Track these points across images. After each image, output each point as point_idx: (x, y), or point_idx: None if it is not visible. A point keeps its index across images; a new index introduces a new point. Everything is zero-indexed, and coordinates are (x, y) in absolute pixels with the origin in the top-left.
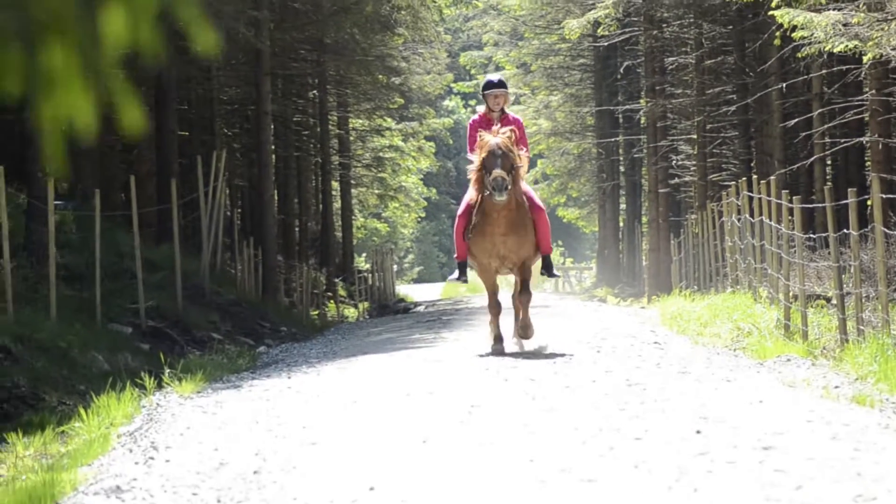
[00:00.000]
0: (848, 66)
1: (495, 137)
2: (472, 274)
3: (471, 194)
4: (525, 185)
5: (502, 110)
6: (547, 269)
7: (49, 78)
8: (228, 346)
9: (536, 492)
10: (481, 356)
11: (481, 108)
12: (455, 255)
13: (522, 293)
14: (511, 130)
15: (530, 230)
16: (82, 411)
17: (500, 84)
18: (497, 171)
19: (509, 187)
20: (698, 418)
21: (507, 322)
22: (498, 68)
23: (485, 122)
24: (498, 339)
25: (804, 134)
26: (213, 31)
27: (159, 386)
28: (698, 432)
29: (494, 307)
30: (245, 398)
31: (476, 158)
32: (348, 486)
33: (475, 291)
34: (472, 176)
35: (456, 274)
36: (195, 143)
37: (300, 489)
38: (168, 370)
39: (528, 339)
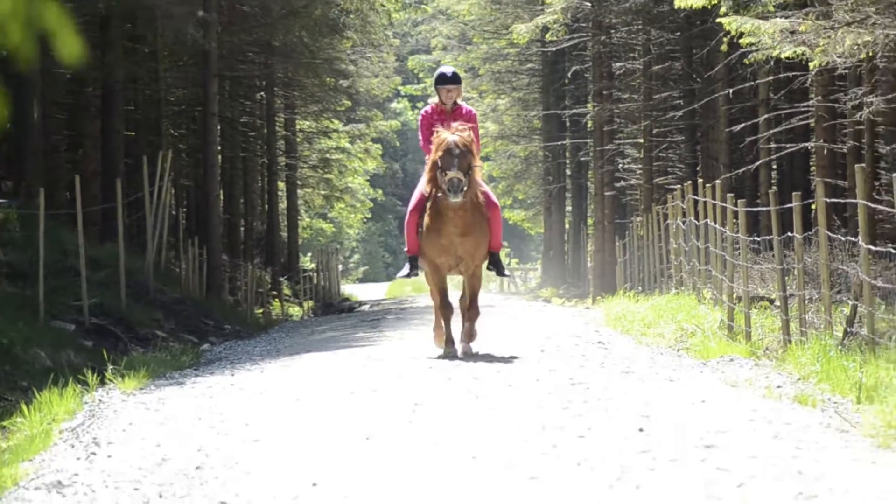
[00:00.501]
0: (794, 73)
1: (453, 134)
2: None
3: (423, 187)
4: (481, 183)
5: (455, 102)
6: (496, 267)
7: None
8: (172, 344)
9: (479, 489)
10: (430, 358)
11: (433, 100)
12: (406, 249)
13: (471, 309)
14: (469, 128)
15: (486, 231)
16: (24, 407)
17: (454, 78)
18: (453, 172)
19: (465, 189)
20: (641, 417)
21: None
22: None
23: (437, 114)
24: (450, 342)
25: (750, 139)
26: (77, 39)
27: (102, 382)
28: (641, 430)
29: (445, 309)
30: (188, 395)
31: (432, 154)
32: (291, 482)
33: (420, 291)
34: (426, 169)
35: (406, 269)
36: (141, 143)
37: (242, 485)
38: (111, 367)
39: (469, 351)
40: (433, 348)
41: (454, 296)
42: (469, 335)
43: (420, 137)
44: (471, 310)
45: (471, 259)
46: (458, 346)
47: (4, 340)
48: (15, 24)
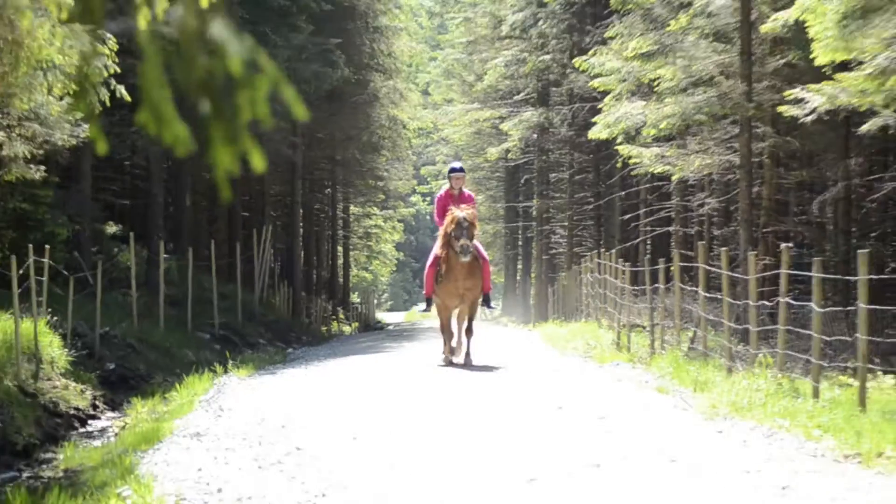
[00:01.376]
0: (662, 182)
1: (462, 212)
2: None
3: (437, 249)
4: (478, 244)
5: (461, 188)
6: (485, 303)
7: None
8: (269, 348)
9: (460, 440)
10: (432, 359)
11: (445, 186)
12: (424, 292)
13: (469, 330)
14: (472, 208)
15: (480, 276)
16: (178, 386)
17: (461, 170)
18: (464, 241)
19: (471, 251)
20: (560, 400)
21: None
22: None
23: (448, 197)
24: (450, 352)
25: (634, 224)
26: (262, 156)
27: (225, 372)
28: (560, 408)
29: (449, 332)
30: (278, 380)
31: (445, 224)
32: (341, 435)
33: (426, 318)
34: (440, 234)
35: (424, 305)
36: (252, 221)
37: (310, 437)
38: (231, 362)
39: (470, 363)
40: (439, 357)
41: (453, 324)
42: (468, 351)
43: (435, 213)
44: (468, 331)
45: (471, 295)
46: (460, 358)
47: (166, 344)
48: (259, 100)
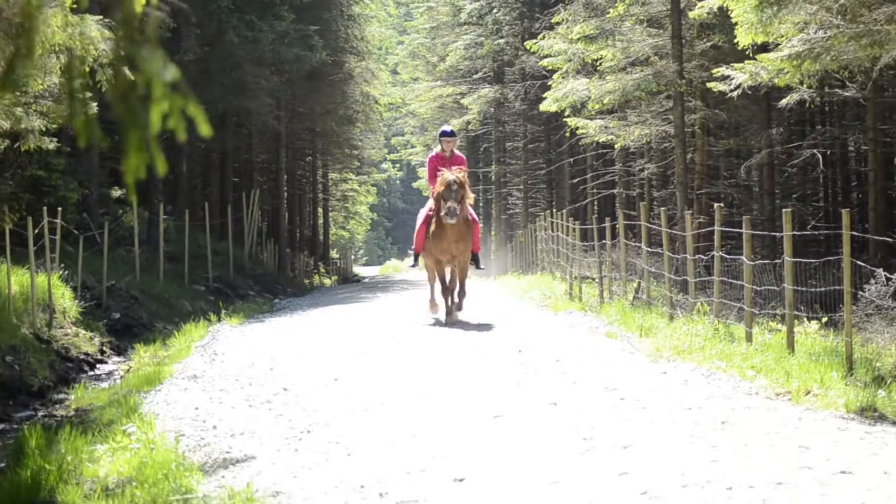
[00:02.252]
0: (606, 150)
1: (453, 175)
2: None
3: (429, 206)
4: (468, 207)
5: (451, 150)
6: (475, 262)
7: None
8: (258, 299)
9: (429, 380)
10: (404, 310)
11: (437, 148)
12: (413, 247)
13: (461, 292)
14: (464, 172)
15: (470, 237)
16: (176, 333)
17: (452, 133)
18: (451, 203)
19: (458, 213)
20: (519, 344)
21: (415, 296)
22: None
23: (439, 159)
24: (433, 300)
25: (582, 187)
26: (207, 125)
27: (219, 320)
28: (519, 352)
29: (445, 289)
30: (266, 328)
31: (436, 187)
32: (322, 377)
33: (398, 271)
34: (433, 196)
35: (412, 261)
36: (241, 185)
37: (296, 378)
38: (224, 312)
39: (459, 309)
40: (426, 315)
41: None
42: (458, 307)
43: (427, 174)
44: (461, 291)
45: (461, 256)
46: (452, 316)
47: (166, 295)
48: (173, 115)
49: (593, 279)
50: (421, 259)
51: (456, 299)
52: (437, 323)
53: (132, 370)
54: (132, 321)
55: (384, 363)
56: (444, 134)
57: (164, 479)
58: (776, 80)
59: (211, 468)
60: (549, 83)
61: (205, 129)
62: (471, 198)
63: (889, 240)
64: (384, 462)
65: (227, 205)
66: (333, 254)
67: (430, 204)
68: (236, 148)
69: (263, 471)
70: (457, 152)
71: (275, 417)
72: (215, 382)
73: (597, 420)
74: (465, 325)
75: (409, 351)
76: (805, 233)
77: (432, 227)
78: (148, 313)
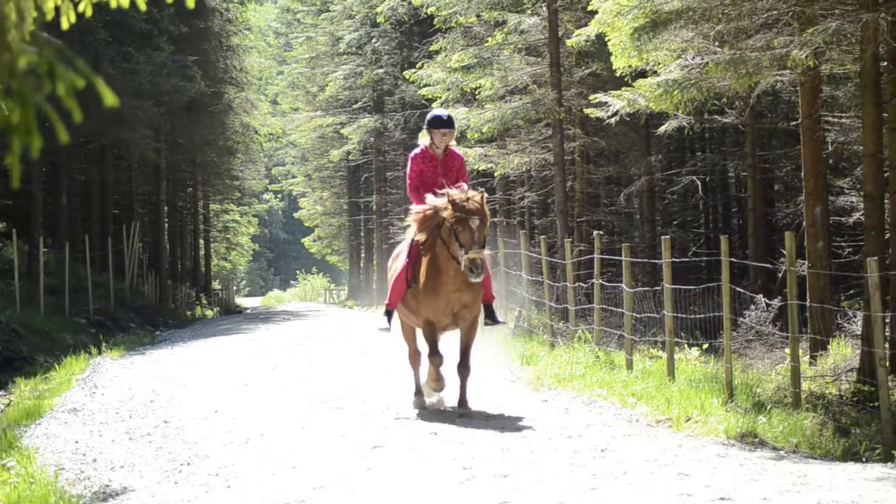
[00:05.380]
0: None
1: (474, 202)
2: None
3: (408, 241)
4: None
5: (446, 147)
6: (490, 318)
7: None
8: (139, 331)
9: (308, 410)
10: (285, 338)
11: (423, 142)
12: (386, 303)
13: (465, 365)
14: (482, 195)
15: (480, 285)
16: (57, 367)
17: (449, 121)
18: (475, 253)
19: (484, 268)
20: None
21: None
22: (293, 176)
23: (426, 158)
24: (439, 379)
25: None
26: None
27: (99, 353)
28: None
29: (436, 357)
30: (147, 360)
31: (437, 208)
32: (203, 409)
33: (280, 302)
34: (416, 218)
35: (385, 323)
36: (122, 217)
37: (176, 411)
38: (104, 344)
39: (469, 414)
40: (412, 406)
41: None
42: (464, 397)
43: (407, 180)
44: (463, 367)
45: (468, 313)
46: (441, 400)
47: (47, 328)
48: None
49: None
50: (396, 318)
51: (444, 377)
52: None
53: (12, 404)
54: (13, 355)
55: (264, 394)
56: (435, 122)
57: None
58: (653, 107)
59: (90, 502)
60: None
61: (110, 99)
62: (485, 229)
63: (768, 266)
64: (264, 494)
65: (107, 237)
66: (215, 285)
67: (411, 236)
68: (116, 180)
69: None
70: (454, 147)
71: (155, 450)
72: (95, 416)
73: (477, 449)
74: (342, 353)
75: (289, 382)
76: (685, 259)
77: (421, 270)
78: (28, 347)
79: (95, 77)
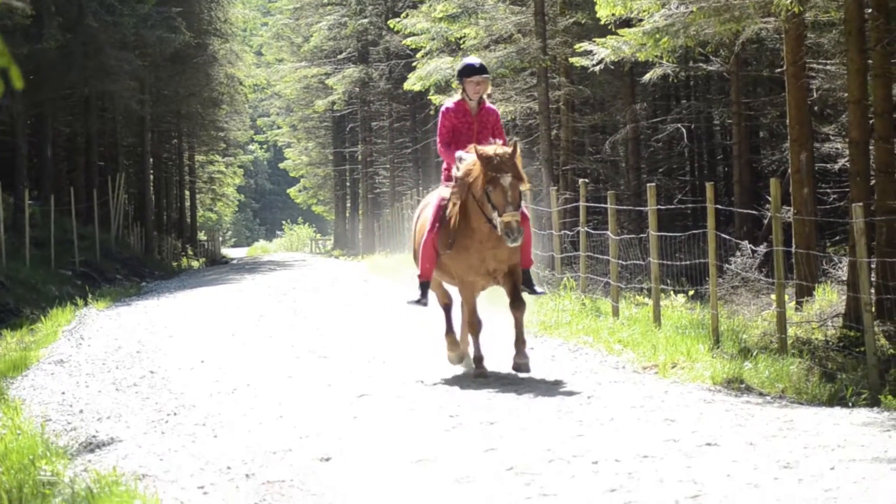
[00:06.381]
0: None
1: (506, 157)
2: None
3: (439, 196)
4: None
5: (481, 99)
6: (528, 286)
7: None
8: (125, 283)
9: (294, 360)
10: (269, 287)
11: (455, 97)
12: (418, 274)
13: (516, 303)
14: (514, 143)
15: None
16: (43, 318)
17: (482, 69)
18: (510, 215)
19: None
20: (388, 318)
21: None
22: (279, 127)
23: (461, 113)
24: (479, 360)
25: None
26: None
27: (86, 304)
28: (388, 326)
29: (475, 325)
30: (133, 311)
31: (470, 167)
32: (189, 359)
33: (265, 252)
34: (446, 179)
35: (417, 295)
36: (107, 169)
37: (163, 361)
38: (91, 296)
39: (527, 366)
40: (448, 366)
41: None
42: (523, 365)
43: (438, 137)
44: (516, 305)
45: (505, 266)
46: (516, 359)
47: (32, 280)
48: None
49: None
50: (433, 288)
51: (514, 352)
52: (481, 377)
53: None
54: None
55: (250, 344)
56: (467, 70)
57: (31, 464)
58: (639, 55)
59: (77, 452)
60: (414, 62)
61: (19, 83)
62: (526, 185)
63: (754, 212)
64: (251, 443)
65: (93, 189)
66: (201, 236)
67: (442, 192)
68: (101, 132)
69: (130, 454)
70: (488, 103)
71: (142, 400)
72: (82, 367)
73: (463, 397)
74: (332, 300)
75: (275, 331)
76: (671, 207)
77: (451, 230)
78: (15, 299)
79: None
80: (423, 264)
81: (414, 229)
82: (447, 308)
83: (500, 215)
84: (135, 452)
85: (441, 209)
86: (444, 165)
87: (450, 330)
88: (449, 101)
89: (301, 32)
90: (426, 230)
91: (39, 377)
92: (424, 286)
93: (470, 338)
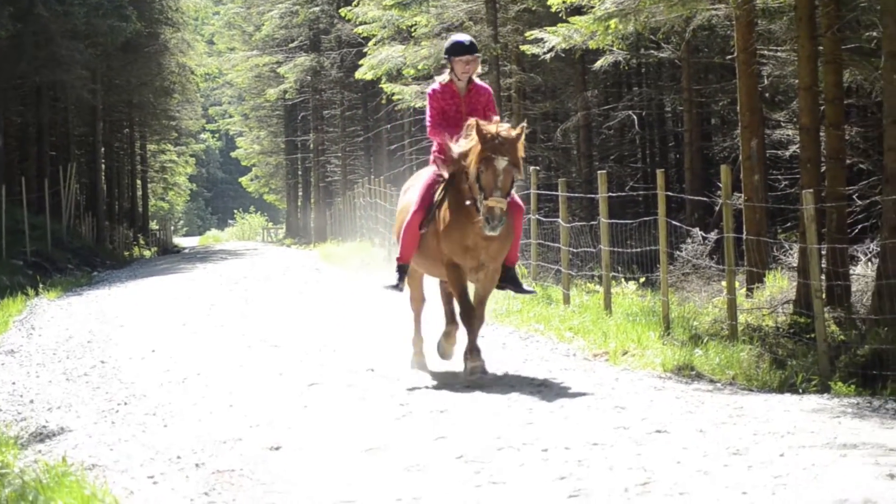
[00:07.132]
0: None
1: (507, 140)
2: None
3: (427, 177)
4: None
5: (470, 78)
6: (513, 284)
7: None
8: (76, 272)
9: (245, 349)
10: (220, 276)
11: (443, 77)
12: (397, 256)
13: (479, 315)
14: (521, 127)
15: (509, 235)
16: None
17: (472, 47)
18: (495, 200)
19: (505, 219)
20: (337, 310)
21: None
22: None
23: (448, 94)
24: (475, 351)
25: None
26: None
27: (37, 294)
28: (336, 317)
29: (470, 314)
30: (84, 301)
31: (472, 158)
32: (140, 349)
33: (218, 241)
34: (436, 160)
35: (394, 280)
36: (59, 159)
37: (113, 351)
38: (42, 286)
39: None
40: (411, 363)
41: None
42: (474, 345)
43: (428, 118)
44: (476, 315)
45: (493, 264)
46: (475, 361)
47: None
48: None
49: None
50: (411, 271)
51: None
52: (480, 372)
53: None
54: None
55: (202, 333)
56: (455, 49)
57: None
58: (590, 44)
59: (27, 442)
60: (366, 50)
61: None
62: (521, 175)
63: (705, 199)
64: (201, 432)
65: (44, 178)
66: (153, 225)
67: (429, 174)
68: (53, 122)
69: (80, 444)
70: (478, 81)
71: (92, 390)
72: (33, 357)
73: (413, 385)
74: (281, 289)
75: (227, 321)
76: (623, 194)
77: (442, 215)
78: None
79: None
80: (403, 246)
81: (398, 210)
82: (418, 310)
83: (485, 198)
84: (85, 442)
85: (431, 187)
86: (434, 147)
87: (418, 334)
88: (434, 84)
89: (252, 21)
90: (410, 210)
91: None
92: (402, 269)
93: (464, 327)
